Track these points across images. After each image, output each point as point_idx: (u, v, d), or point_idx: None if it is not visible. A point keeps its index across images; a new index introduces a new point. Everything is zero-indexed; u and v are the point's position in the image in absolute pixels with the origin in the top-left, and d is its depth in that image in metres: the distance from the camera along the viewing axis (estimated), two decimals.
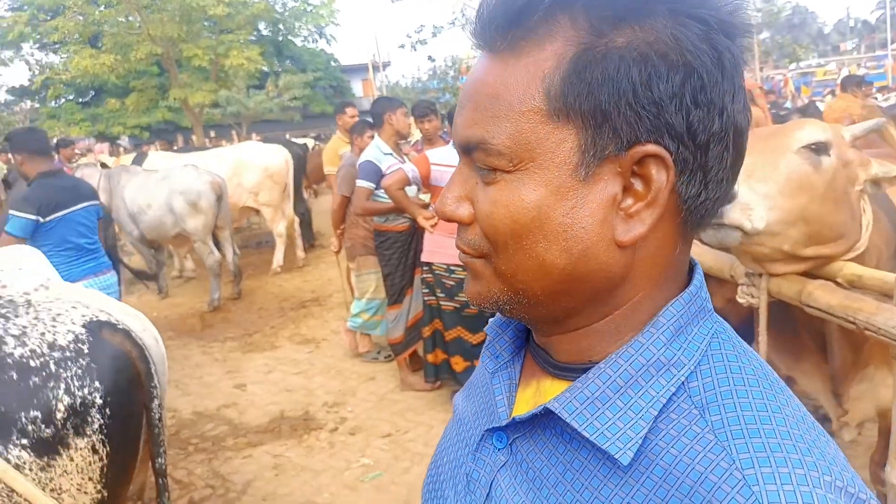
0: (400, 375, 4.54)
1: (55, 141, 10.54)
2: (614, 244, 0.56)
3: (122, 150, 18.52)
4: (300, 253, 8.53)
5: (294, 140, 12.24)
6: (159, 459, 2.01)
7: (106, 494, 1.74)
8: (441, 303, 4.03)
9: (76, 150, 11.18)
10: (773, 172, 1.69)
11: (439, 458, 0.76)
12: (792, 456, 0.50)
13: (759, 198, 1.65)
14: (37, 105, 26.42)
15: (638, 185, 0.55)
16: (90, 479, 1.69)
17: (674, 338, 0.57)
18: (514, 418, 0.62)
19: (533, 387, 0.65)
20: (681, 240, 0.59)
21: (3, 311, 1.72)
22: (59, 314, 1.77)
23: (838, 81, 15.31)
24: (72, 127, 23.54)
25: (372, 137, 4.75)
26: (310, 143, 14.31)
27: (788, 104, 13.45)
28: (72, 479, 1.65)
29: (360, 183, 4.23)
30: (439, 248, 3.85)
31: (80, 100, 26.00)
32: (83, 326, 1.77)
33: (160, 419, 1.98)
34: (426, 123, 4.61)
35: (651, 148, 0.53)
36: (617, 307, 0.59)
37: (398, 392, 4.46)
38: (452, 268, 3.85)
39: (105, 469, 1.71)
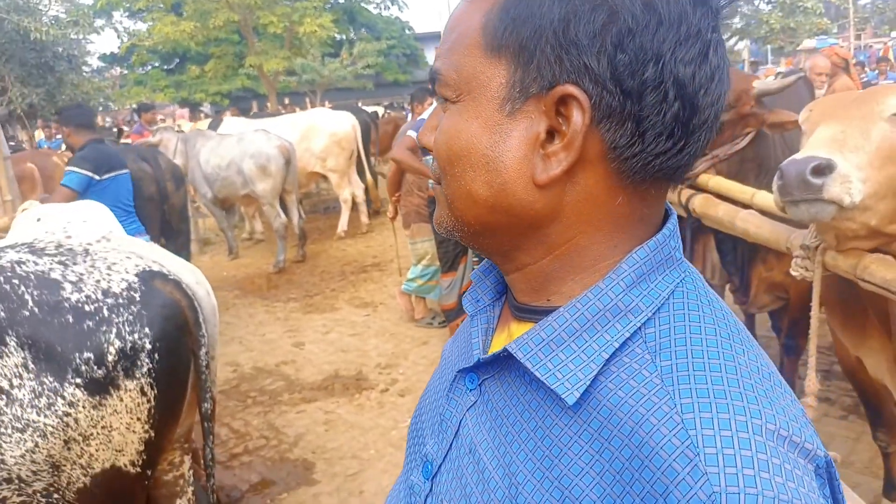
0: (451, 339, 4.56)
1: (136, 106, 10.99)
2: (533, 183, 0.56)
3: (202, 115, 19.21)
4: (364, 219, 8.66)
5: (364, 108, 12.35)
6: (205, 405, 2.10)
7: (153, 434, 1.83)
8: None
9: (158, 116, 11.64)
10: (865, 142, 1.59)
11: (423, 399, 0.78)
12: (735, 403, 0.50)
13: (853, 169, 1.56)
14: (125, 72, 27.63)
15: (565, 126, 0.55)
16: (138, 419, 1.78)
17: (634, 284, 0.57)
18: (479, 359, 0.64)
19: (506, 332, 0.66)
20: (621, 190, 0.57)
21: (63, 258, 1.81)
22: (114, 263, 1.86)
23: None
24: (157, 93, 24.52)
25: (431, 104, 4.73)
26: (380, 111, 14.41)
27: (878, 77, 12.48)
28: (121, 419, 1.74)
29: (410, 132, 4.18)
30: None
31: (165, 67, 27.01)
32: (136, 275, 1.85)
33: (207, 366, 2.06)
34: None
35: (569, 89, 0.53)
36: (555, 246, 0.60)
37: None
38: None
39: (152, 410, 1.80)
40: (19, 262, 1.71)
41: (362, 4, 27.33)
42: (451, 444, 0.67)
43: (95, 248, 1.94)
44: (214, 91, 24.64)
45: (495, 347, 0.67)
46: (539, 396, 0.59)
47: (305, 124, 8.36)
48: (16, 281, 1.65)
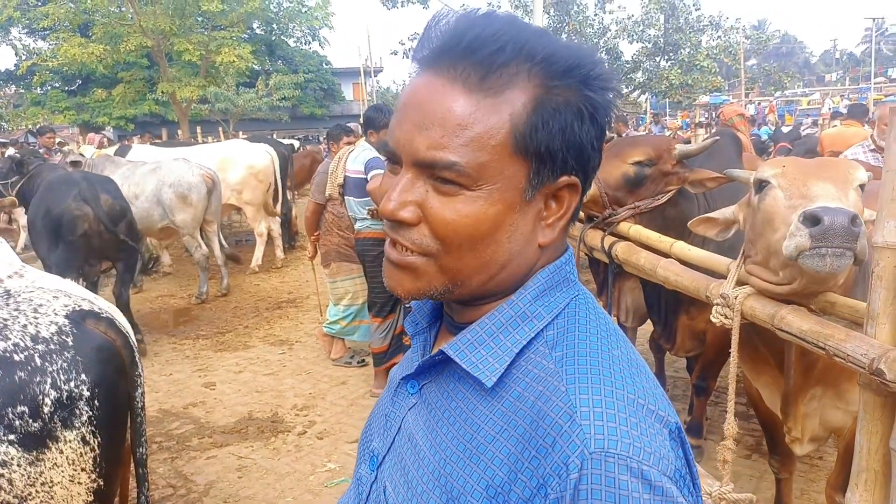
0: (375, 382, 4.49)
1: (36, 128, 10.36)
2: (536, 245, 0.75)
3: (106, 140, 18.29)
4: (279, 253, 8.47)
5: (280, 140, 12.17)
6: (140, 449, 1.99)
7: (102, 483, 1.71)
8: None
9: (56, 139, 10.99)
10: (847, 203, 1.69)
11: (372, 413, 0.92)
12: (606, 380, 0.67)
13: None
14: (22, 91, 26.04)
15: (552, 203, 0.74)
16: (83, 469, 1.65)
17: (538, 297, 0.75)
18: (418, 364, 0.80)
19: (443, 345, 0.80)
20: (565, 240, 0.79)
21: None
22: (40, 304, 1.72)
23: (822, 111, 15.58)
24: (56, 115, 23.22)
25: (349, 143, 4.72)
26: (296, 144, 14.23)
27: (765, 131, 13.59)
28: (63, 472, 1.61)
29: (377, 171, 4.10)
30: None
31: (67, 88, 25.65)
32: (66, 317, 1.72)
33: (142, 408, 1.95)
34: None
35: (573, 179, 0.73)
36: (523, 283, 0.76)
37: (368, 398, 4.41)
38: None
39: (98, 459, 1.69)
40: None
41: (282, 37, 27.14)
42: (393, 439, 0.81)
43: (16, 288, 1.80)
44: (119, 115, 23.63)
45: None
46: (465, 388, 0.74)
47: (221, 155, 8.14)
48: None
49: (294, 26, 25.58)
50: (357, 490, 0.86)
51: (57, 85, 25.34)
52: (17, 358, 1.56)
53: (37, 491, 1.55)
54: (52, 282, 2.18)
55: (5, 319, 1.61)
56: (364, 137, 4.49)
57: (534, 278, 0.75)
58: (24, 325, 1.62)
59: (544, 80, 0.69)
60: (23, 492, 1.53)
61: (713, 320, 2.00)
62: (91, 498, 1.67)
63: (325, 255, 4.86)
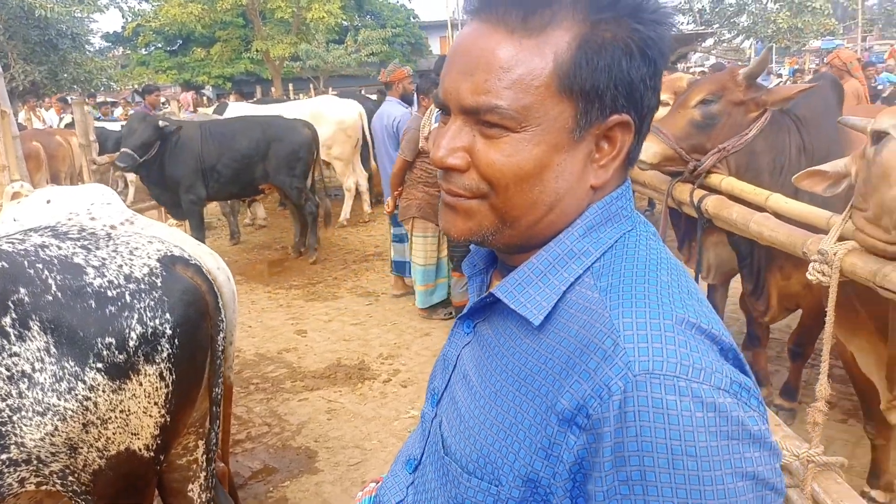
0: None
1: (142, 87, 10.93)
2: (588, 186, 0.74)
3: (205, 99, 19.08)
4: (367, 208, 8.66)
5: (368, 96, 12.30)
6: (215, 389, 2.11)
7: (168, 419, 1.83)
8: None
9: (161, 98, 11.58)
10: None
11: (438, 357, 0.96)
12: (651, 302, 0.66)
13: None
14: (128, 52, 27.45)
15: (604, 143, 0.73)
16: (155, 403, 1.78)
17: (586, 234, 0.74)
18: (471, 305, 0.83)
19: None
20: (623, 179, 0.78)
21: (86, 242, 1.81)
22: (136, 248, 1.86)
23: None
24: (160, 74, 24.36)
25: None
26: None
27: (885, 77, 12.45)
28: (139, 403, 1.75)
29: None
30: None
31: (169, 48, 26.82)
32: (157, 260, 1.85)
33: (222, 351, 2.07)
34: None
35: (624, 117, 0.72)
36: (571, 223, 0.75)
37: None
38: None
39: (169, 395, 1.80)
40: (43, 246, 1.70)
41: None
42: (450, 376, 0.84)
43: (118, 232, 1.94)
44: (217, 74, 24.49)
45: None
46: (514, 324, 0.75)
47: (311, 111, 8.33)
48: (39, 265, 1.64)
49: None
50: (422, 427, 0.90)
51: (160, 45, 26.52)
52: (110, 294, 1.68)
53: (115, 416, 1.68)
54: (157, 229, 2.34)
55: (104, 259, 1.75)
56: None
57: (582, 215, 0.74)
58: (120, 265, 1.75)
59: (589, 15, 0.68)
60: (104, 415, 1.66)
61: (809, 278, 1.91)
62: (157, 432, 1.78)
63: (405, 209, 4.92)
